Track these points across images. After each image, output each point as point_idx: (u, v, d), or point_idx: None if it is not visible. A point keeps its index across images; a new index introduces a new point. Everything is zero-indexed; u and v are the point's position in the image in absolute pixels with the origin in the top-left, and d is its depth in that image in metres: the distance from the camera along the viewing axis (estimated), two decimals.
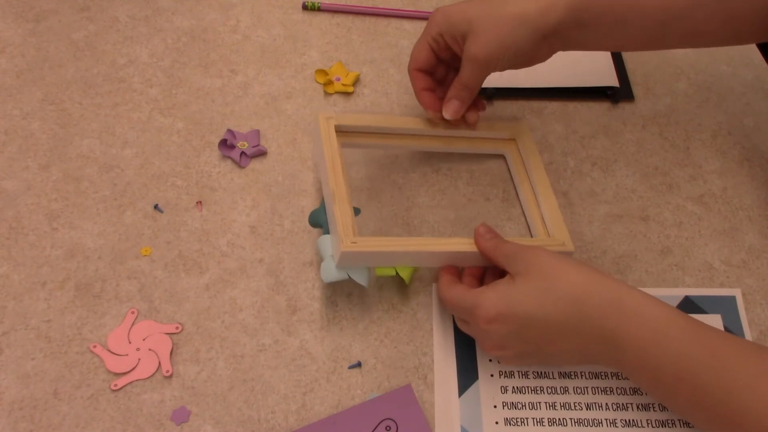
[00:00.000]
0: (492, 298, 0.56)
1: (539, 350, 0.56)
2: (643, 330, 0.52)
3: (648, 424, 0.59)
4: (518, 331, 0.55)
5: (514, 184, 0.73)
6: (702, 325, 0.53)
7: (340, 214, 0.60)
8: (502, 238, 0.61)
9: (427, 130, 0.70)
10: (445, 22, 0.65)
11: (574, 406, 0.60)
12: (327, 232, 0.63)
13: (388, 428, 0.58)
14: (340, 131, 0.68)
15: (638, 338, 0.52)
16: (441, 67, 0.69)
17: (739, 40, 0.68)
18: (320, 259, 0.64)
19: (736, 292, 0.66)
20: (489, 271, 0.63)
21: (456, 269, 0.63)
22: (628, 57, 0.84)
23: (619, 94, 0.80)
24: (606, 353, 0.55)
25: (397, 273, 0.63)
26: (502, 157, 0.75)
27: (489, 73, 0.65)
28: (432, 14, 0.66)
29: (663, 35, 0.65)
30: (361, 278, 0.61)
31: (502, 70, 0.65)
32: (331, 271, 0.61)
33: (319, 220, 0.65)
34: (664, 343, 0.52)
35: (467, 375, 0.61)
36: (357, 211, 0.65)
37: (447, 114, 0.67)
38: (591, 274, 0.55)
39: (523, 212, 0.71)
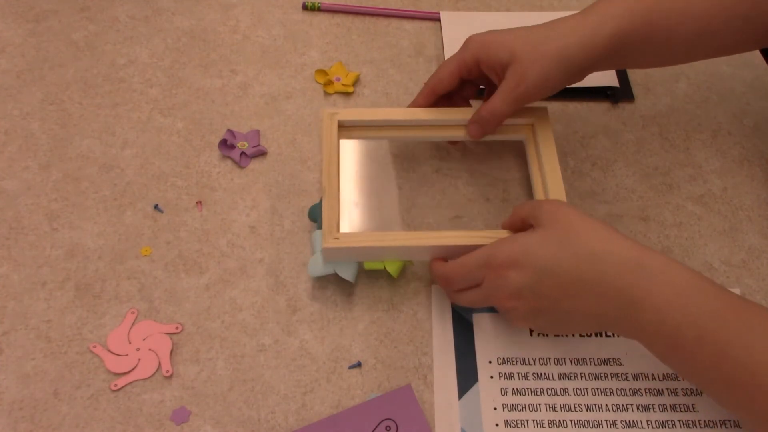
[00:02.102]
0: (508, 245, 0.56)
1: (553, 307, 0.55)
2: (663, 290, 0.51)
3: (648, 425, 0.59)
4: (533, 283, 0.55)
5: (528, 170, 0.72)
6: (726, 289, 0.52)
7: (327, 210, 0.62)
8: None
9: (436, 120, 0.69)
10: (484, 50, 0.65)
11: (574, 408, 0.60)
12: (321, 227, 0.63)
13: (388, 428, 0.58)
14: (345, 126, 0.68)
15: (658, 297, 0.51)
16: (459, 85, 0.69)
17: (764, 43, 0.69)
18: (312, 254, 0.64)
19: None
20: None
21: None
22: None
23: (619, 94, 0.80)
24: (623, 315, 0.53)
25: (385, 267, 0.63)
26: (502, 157, 0.75)
27: (522, 106, 0.65)
28: (467, 41, 0.66)
29: (693, 54, 0.68)
30: (346, 273, 0.62)
31: (534, 101, 0.66)
32: (317, 266, 0.62)
33: (316, 215, 0.66)
34: (685, 302, 0.51)
35: (467, 377, 0.61)
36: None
37: (469, 134, 0.69)
38: (612, 233, 0.54)
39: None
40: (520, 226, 0.60)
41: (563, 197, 0.65)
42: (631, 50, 0.64)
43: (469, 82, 0.70)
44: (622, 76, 0.82)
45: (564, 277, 0.54)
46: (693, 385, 0.59)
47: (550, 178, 0.67)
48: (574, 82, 0.65)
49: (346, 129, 0.68)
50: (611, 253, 0.53)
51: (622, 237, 0.54)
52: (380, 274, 0.66)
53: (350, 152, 0.73)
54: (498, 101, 0.65)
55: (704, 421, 0.59)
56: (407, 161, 0.74)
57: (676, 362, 0.54)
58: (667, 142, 0.78)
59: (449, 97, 0.71)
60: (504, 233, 0.62)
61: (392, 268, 0.63)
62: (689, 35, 0.64)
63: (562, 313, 0.55)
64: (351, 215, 0.70)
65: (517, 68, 0.62)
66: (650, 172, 0.75)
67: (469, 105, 0.72)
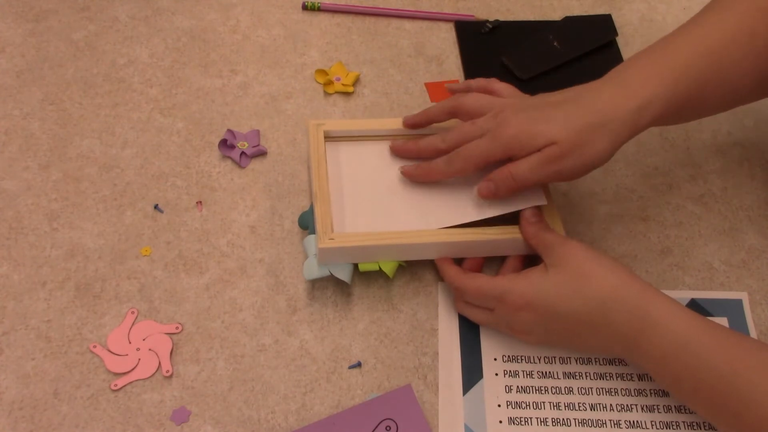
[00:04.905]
0: (523, 286, 0.57)
1: (562, 341, 0.59)
2: (664, 341, 0.53)
3: (652, 425, 0.59)
4: (544, 322, 0.57)
5: None
6: (725, 335, 0.53)
7: (320, 213, 0.62)
8: (547, 224, 0.62)
9: (420, 130, 0.70)
10: (517, 145, 0.58)
11: (579, 407, 0.60)
12: (313, 232, 0.64)
13: (388, 428, 0.58)
14: (332, 137, 0.69)
15: (659, 348, 0.53)
16: None
17: None
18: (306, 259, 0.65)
19: (743, 296, 0.66)
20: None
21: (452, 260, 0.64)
22: (628, 56, 0.84)
23: None
24: (628, 355, 0.56)
25: (380, 268, 0.63)
26: None
27: (550, 182, 0.62)
28: (497, 131, 0.59)
29: (722, 109, 0.66)
30: (342, 274, 0.63)
31: (562, 181, 0.64)
32: (312, 269, 0.63)
33: (306, 222, 0.67)
34: (684, 354, 0.53)
35: (472, 373, 0.61)
36: None
37: (477, 191, 0.62)
38: (622, 278, 0.55)
39: None
40: (532, 247, 0.62)
41: (548, 193, 0.66)
42: (670, 122, 0.62)
43: None
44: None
45: (574, 321, 0.56)
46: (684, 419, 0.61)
47: None
48: None
49: (334, 140, 0.70)
50: (620, 301, 0.55)
51: (630, 282, 0.55)
52: (379, 274, 0.66)
53: (350, 154, 0.72)
54: (526, 167, 0.58)
55: (708, 424, 0.59)
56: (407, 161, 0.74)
57: (679, 400, 0.58)
58: (667, 142, 0.78)
59: None
60: (502, 231, 0.63)
61: (387, 268, 0.63)
62: (728, 102, 0.64)
63: (570, 344, 0.60)
64: (352, 217, 0.69)
65: (556, 149, 0.57)
66: (650, 172, 0.75)
67: None
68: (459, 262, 0.65)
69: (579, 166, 0.58)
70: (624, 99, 0.57)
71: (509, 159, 0.59)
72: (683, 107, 0.59)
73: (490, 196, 0.61)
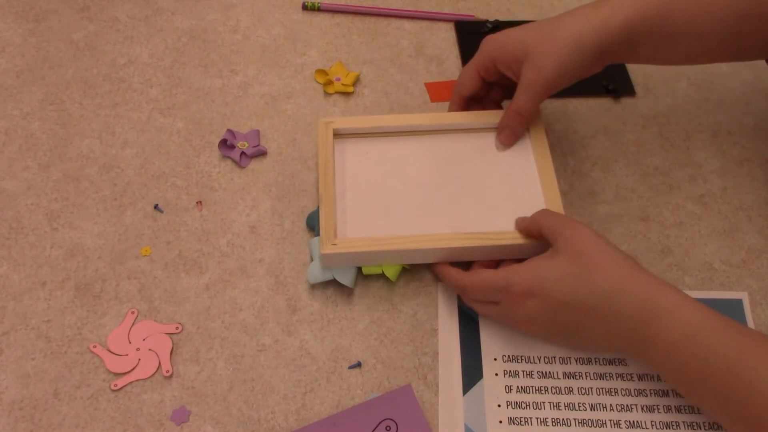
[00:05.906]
0: (528, 274, 0.57)
1: (566, 333, 0.58)
2: (673, 329, 0.53)
3: (652, 425, 0.59)
4: (548, 313, 0.57)
5: None
6: (734, 326, 0.53)
7: (324, 217, 0.63)
8: (541, 211, 0.62)
9: (431, 125, 0.70)
10: (498, 49, 0.65)
11: (579, 407, 0.60)
12: (319, 234, 0.64)
13: (388, 428, 0.58)
14: (341, 134, 0.69)
15: (667, 337, 0.53)
16: (484, 87, 0.70)
17: None
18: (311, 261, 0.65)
19: (743, 296, 0.66)
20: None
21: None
22: None
23: (620, 89, 0.80)
24: (634, 347, 0.55)
25: (383, 272, 0.64)
26: None
27: (544, 99, 0.65)
28: (483, 42, 0.67)
29: (711, 51, 0.66)
30: (344, 279, 0.63)
31: (555, 92, 0.65)
32: (315, 272, 0.63)
33: (313, 223, 0.67)
34: (692, 343, 0.52)
35: (472, 373, 0.61)
36: None
37: (500, 143, 0.69)
38: (629, 270, 0.55)
39: None
40: (536, 235, 0.61)
41: (558, 199, 0.65)
42: (645, 41, 0.63)
43: (495, 85, 0.70)
44: (623, 74, 0.82)
45: (579, 312, 0.55)
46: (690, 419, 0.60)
47: (544, 180, 0.67)
48: (593, 71, 0.65)
49: (343, 137, 0.69)
50: (627, 293, 0.54)
51: (639, 273, 0.55)
52: (380, 275, 0.66)
53: (357, 156, 0.72)
54: (520, 100, 0.65)
55: (708, 423, 0.59)
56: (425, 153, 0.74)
57: (684, 393, 0.57)
58: (667, 142, 0.78)
59: (480, 101, 0.72)
60: (507, 236, 0.62)
61: (390, 272, 0.64)
62: (705, 31, 0.63)
63: (575, 338, 0.59)
64: (358, 218, 0.68)
65: (532, 62, 0.63)
66: (650, 172, 0.75)
67: (499, 108, 0.73)
68: (466, 268, 0.64)
69: (554, 64, 0.62)
70: (594, 9, 0.63)
71: None
72: (660, 27, 0.62)
73: (513, 139, 0.69)
